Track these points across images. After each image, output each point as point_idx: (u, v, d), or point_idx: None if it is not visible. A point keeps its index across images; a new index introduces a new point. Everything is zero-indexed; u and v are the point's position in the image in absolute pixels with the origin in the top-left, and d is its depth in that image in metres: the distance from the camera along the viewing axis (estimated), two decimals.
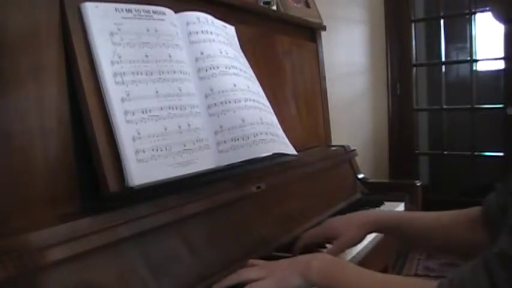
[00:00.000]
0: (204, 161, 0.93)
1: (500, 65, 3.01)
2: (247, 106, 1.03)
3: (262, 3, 1.55)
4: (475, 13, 3.05)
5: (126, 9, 0.89)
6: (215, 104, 0.99)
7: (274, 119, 1.13)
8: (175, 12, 1.00)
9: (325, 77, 1.71)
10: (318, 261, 0.78)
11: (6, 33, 0.72)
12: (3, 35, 0.72)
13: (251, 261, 0.86)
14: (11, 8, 0.73)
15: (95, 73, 0.82)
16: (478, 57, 3.16)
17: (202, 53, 1.01)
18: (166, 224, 0.83)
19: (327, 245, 1.05)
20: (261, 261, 0.86)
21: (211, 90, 0.99)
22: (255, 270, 0.80)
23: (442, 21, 3.20)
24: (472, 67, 3.19)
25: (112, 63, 0.84)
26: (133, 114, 0.83)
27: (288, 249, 1.06)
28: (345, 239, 0.99)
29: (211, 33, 1.04)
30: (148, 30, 0.91)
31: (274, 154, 1.06)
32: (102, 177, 0.79)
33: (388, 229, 1.02)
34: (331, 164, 1.51)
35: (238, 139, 0.98)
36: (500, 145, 3.01)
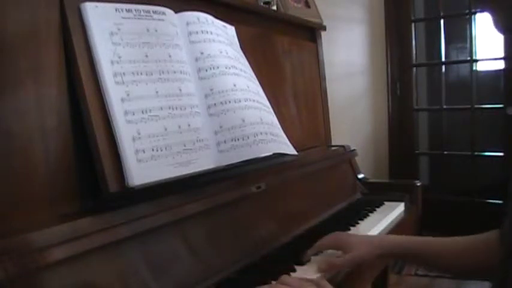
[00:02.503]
0: (204, 161, 0.93)
1: (500, 65, 3.01)
2: (247, 106, 1.03)
3: (262, 3, 1.55)
4: (475, 13, 3.04)
5: (126, 9, 0.89)
6: (215, 104, 0.99)
7: (274, 119, 1.13)
8: (175, 12, 0.99)
9: (325, 77, 1.71)
10: None
11: (6, 33, 0.72)
12: (3, 35, 0.72)
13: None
14: (10, 8, 0.73)
15: (95, 73, 0.82)
16: (478, 57, 3.15)
17: (202, 53, 1.01)
18: (166, 224, 0.83)
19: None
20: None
21: (211, 90, 0.99)
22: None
23: (442, 21, 3.19)
24: (472, 67, 3.18)
25: (112, 63, 0.84)
26: (134, 114, 0.83)
27: (288, 249, 1.06)
28: (358, 254, 0.98)
29: (211, 33, 1.04)
30: (148, 30, 0.91)
31: (274, 154, 1.06)
32: (102, 177, 0.79)
33: (402, 254, 1.01)
34: (331, 164, 1.51)
35: (238, 139, 0.98)
36: (500, 145, 3.01)
